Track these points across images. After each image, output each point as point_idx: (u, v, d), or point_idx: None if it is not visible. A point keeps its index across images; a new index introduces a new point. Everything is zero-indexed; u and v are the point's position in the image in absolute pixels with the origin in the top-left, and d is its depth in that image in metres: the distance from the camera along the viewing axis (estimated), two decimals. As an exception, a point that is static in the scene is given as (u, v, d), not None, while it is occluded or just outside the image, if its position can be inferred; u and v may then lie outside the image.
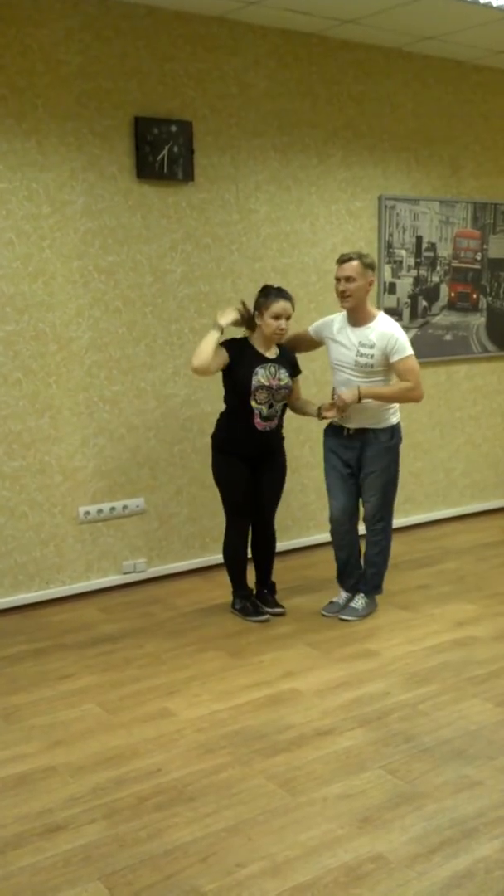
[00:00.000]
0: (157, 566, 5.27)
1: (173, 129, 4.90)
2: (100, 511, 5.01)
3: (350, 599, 4.78)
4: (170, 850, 2.81)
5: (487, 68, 6.15)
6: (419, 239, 6.03)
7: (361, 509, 4.72)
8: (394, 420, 4.58)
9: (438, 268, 6.16)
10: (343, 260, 4.39)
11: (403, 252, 5.96)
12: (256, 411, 4.41)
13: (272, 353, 4.48)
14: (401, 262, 5.95)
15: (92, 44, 4.63)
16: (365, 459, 4.54)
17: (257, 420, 4.43)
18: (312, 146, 5.49)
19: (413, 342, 5.65)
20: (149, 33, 4.79)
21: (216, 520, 5.41)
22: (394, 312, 5.88)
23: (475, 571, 5.43)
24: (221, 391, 5.34)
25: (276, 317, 4.34)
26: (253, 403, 4.40)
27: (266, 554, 4.80)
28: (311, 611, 4.77)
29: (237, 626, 4.60)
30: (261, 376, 4.38)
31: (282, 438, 4.65)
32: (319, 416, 4.50)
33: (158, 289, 5.03)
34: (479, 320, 6.43)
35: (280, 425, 4.58)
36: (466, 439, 6.58)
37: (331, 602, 4.79)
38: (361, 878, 2.66)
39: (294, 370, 4.56)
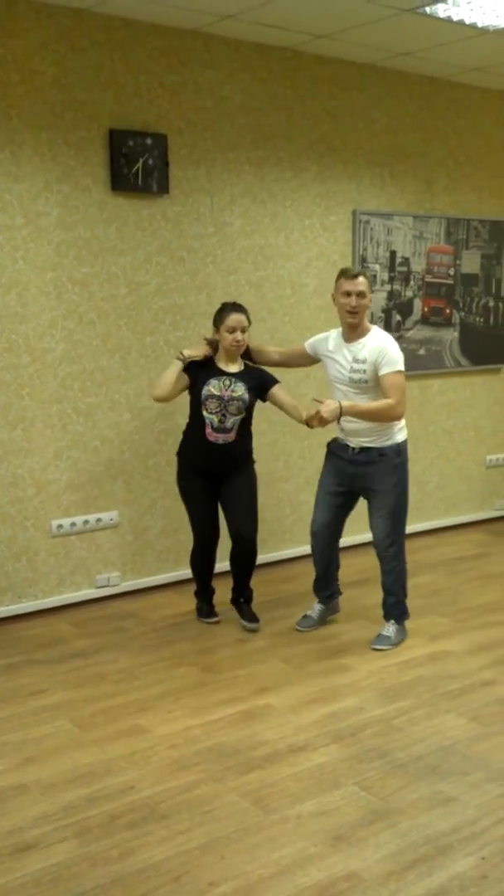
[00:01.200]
0: (130, 580, 5.23)
1: (148, 141, 4.89)
2: (73, 524, 4.97)
3: (324, 612, 4.76)
4: (142, 869, 2.77)
5: (461, 85, 6.21)
6: (393, 254, 6.06)
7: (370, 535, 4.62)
8: (400, 438, 4.46)
9: (412, 282, 6.19)
10: (353, 275, 4.30)
11: (377, 266, 5.99)
12: (207, 421, 4.45)
13: (234, 367, 4.53)
14: (375, 276, 5.97)
15: (67, 55, 4.62)
16: (371, 479, 4.41)
17: (209, 430, 4.46)
18: (287, 160, 5.50)
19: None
20: (124, 45, 4.78)
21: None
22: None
23: (449, 585, 5.44)
24: (196, 404, 5.32)
25: (231, 330, 4.43)
26: (204, 413, 4.45)
27: (241, 569, 4.75)
28: (285, 625, 4.75)
29: (211, 641, 4.57)
30: (212, 386, 4.44)
31: (247, 453, 4.65)
32: (309, 425, 4.38)
33: (133, 301, 5.01)
34: (452, 335, 6.47)
35: (241, 441, 4.55)
36: (440, 453, 6.60)
37: (304, 616, 4.77)
38: (335, 896, 2.64)
39: (262, 384, 4.55)
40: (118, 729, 3.66)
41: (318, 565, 4.75)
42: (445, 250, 6.33)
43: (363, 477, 4.45)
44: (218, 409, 4.45)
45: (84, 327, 4.87)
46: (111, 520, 5.10)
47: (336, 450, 4.56)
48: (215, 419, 4.45)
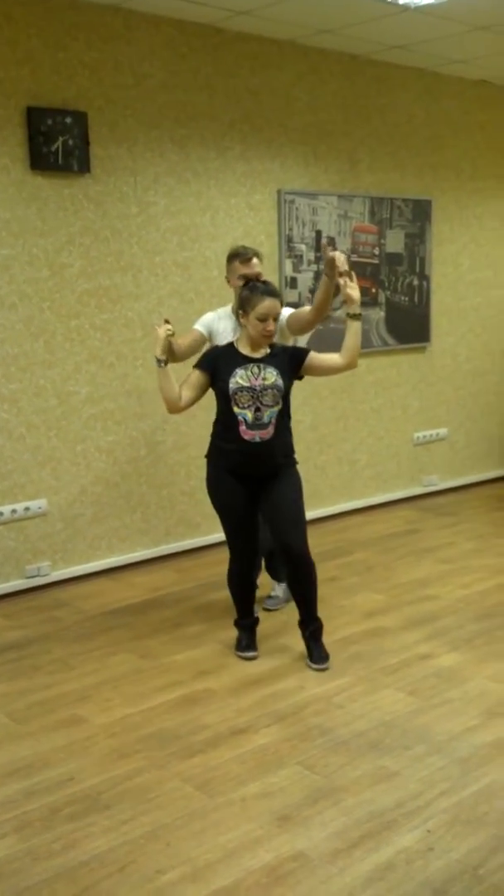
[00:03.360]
0: (61, 569, 5.14)
1: (68, 119, 4.77)
2: (0, 514, 4.85)
3: (287, 590, 4.76)
4: (85, 861, 2.72)
5: (382, 62, 6.20)
6: (318, 233, 6.04)
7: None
8: None
9: (338, 261, 6.17)
10: (248, 257, 4.23)
11: (303, 246, 5.97)
12: (240, 418, 3.83)
13: (261, 352, 3.89)
14: (301, 256, 5.95)
15: (-20, 30, 4.47)
16: None
17: (242, 428, 3.84)
18: (210, 139, 5.43)
19: (315, 336, 5.69)
20: (40, 21, 4.65)
21: (122, 519, 5.32)
22: (295, 307, 5.85)
23: (381, 562, 5.48)
24: (124, 387, 5.26)
25: (263, 318, 3.79)
26: (235, 409, 3.83)
27: (300, 588, 4.06)
28: (221, 608, 4.71)
29: (148, 628, 4.51)
30: (239, 377, 3.82)
31: (288, 451, 4.01)
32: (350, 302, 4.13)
33: (56, 283, 4.89)
34: (378, 314, 6.49)
35: (280, 437, 3.92)
36: (369, 432, 6.63)
37: (269, 596, 4.77)
38: (283, 877, 2.62)
39: (296, 360, 3.95)
40: (55, 720, 3.59)
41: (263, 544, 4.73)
42: (370, 229, 6.35)
43: None
44: (251, 403, 3.81)
45: (5, 311, 4.74)
46: (40, 508, 4.99)
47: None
48: (249, 414, 3.82)
